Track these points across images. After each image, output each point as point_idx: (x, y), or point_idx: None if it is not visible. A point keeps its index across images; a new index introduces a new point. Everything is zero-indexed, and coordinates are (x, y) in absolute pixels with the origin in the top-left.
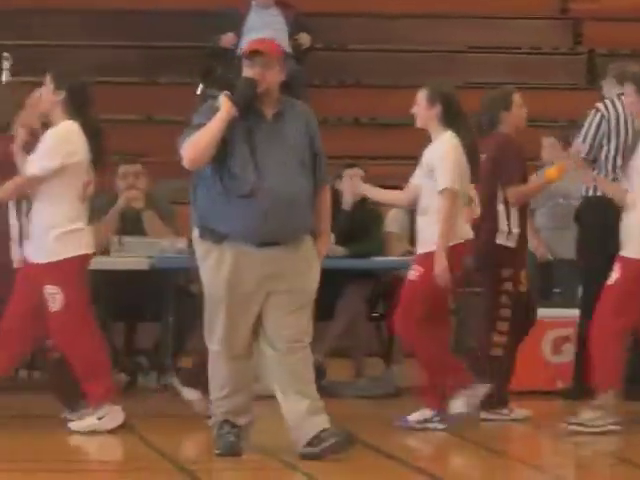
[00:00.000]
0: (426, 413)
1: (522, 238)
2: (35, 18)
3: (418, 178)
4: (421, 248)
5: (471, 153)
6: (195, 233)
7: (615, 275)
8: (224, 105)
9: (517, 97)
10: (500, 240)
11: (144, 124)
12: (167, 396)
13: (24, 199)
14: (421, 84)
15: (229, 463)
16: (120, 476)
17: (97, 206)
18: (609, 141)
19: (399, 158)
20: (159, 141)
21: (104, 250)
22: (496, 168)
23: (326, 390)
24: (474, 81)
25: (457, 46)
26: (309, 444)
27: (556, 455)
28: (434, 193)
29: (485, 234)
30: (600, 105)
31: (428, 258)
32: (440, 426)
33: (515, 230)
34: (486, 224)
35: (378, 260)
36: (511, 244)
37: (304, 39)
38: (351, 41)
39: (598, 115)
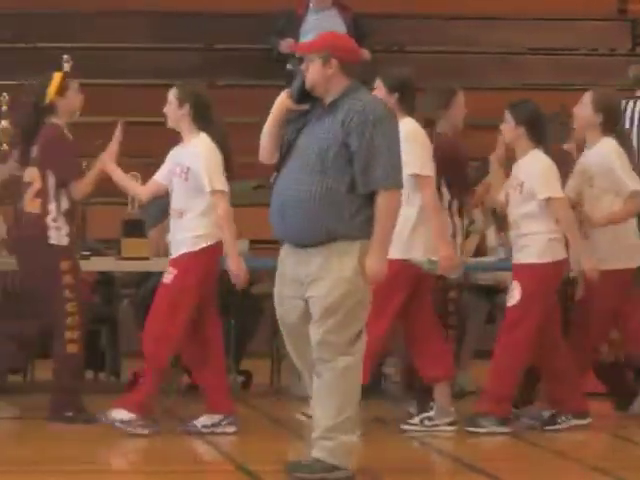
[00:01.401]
0: (214, 417)
1: None
2: (99, 20)
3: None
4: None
5: None
6: None
7: None
8: (278, 99)
9: None
10: None
11: None
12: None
13: None
14: (479, 86)
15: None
16: (183, 478)
17: (155, 210)
18: None
19: None
20: None
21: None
22: None
23: None
24: (531, 83)
25: (515, 48)
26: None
27: None
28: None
29: None
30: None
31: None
32: (230, 429)
33: None
34: None
35: None
36: None
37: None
38: (408, 43)
39: None
